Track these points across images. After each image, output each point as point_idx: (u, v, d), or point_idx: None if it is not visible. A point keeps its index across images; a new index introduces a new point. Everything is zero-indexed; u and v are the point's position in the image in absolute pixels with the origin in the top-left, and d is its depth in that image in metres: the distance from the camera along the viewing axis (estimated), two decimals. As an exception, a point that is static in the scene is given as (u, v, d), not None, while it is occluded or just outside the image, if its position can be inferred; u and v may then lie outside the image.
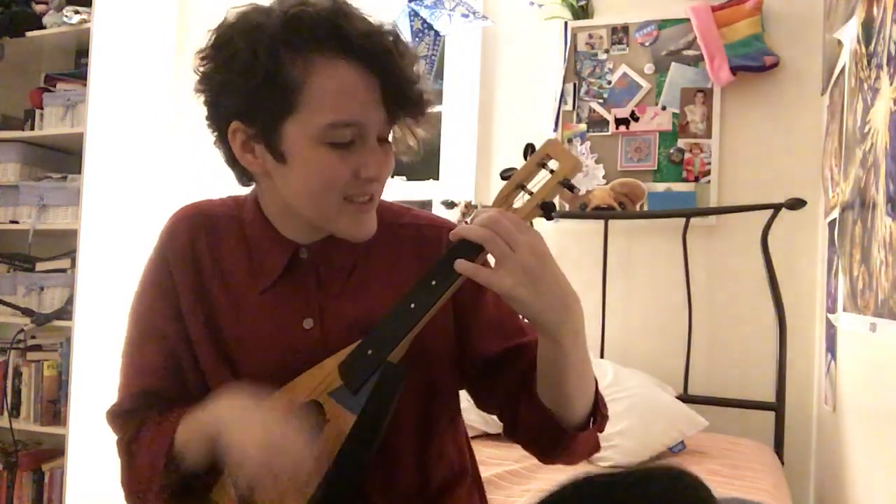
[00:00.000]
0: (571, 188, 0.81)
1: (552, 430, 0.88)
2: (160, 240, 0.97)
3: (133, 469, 0.91)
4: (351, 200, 0.87)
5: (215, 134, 0.90)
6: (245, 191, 1.00)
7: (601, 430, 0.93)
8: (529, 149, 0.83)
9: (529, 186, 0.83)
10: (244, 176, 0.94)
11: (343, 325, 0.92)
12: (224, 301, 0.93)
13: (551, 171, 0.81)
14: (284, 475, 0.75)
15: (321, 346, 0.90)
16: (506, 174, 0.83)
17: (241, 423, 0.78)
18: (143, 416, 0.94)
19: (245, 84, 0.82)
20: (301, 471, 0.77)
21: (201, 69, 0.86)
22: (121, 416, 0.96)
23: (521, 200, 0.83)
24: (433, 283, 0.81)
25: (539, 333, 0.82)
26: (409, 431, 0.94)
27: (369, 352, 0.83)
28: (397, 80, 0.84)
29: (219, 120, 0.88)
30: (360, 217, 0.89)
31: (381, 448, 0.84)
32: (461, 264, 0.78)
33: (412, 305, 0.82)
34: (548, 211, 0.80)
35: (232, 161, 0.91)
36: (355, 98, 0.83)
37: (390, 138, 0.90)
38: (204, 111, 0.89)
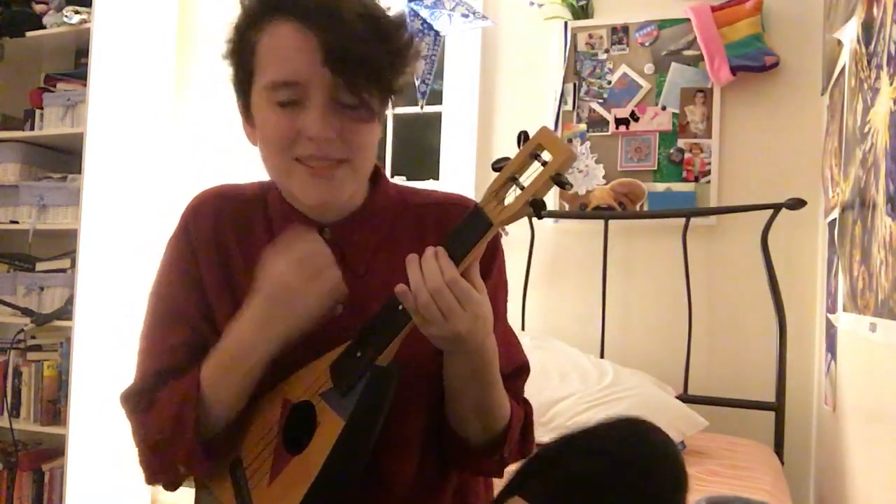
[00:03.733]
0: (563, 185, 0.73)
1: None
2: (183, 221, 0.97)
3: (153, 420, 0.89)
4: (304, 162, 0.86)
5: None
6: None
7: (505, 452, 0.93)
8: (522, 136, 0.77)
9: (522, 179, 0.76)
10: None
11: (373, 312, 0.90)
12: (251, 286, 0.91)
13: (544, 164, 0.75)
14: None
15: (349, 333, 0.88)
16: (497, 165, 0.78)
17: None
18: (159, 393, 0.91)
19: (229, 61, 0.89)
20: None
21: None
22: (137, 395, 0.93)
23: (513, 195, 0.77)
24: None
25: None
26: (418, 421, 0.92)
27: (358, 353, 0.81)
28: (336, 38, 0.81)
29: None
30: (311, 180, 0.86)
31: (390, 443, 0.81)
32: (400, 288, 0.78)
33: (401, 307, 0.78)
34: (538, 209, 0.74)
35: None
36: (291, 57, 0.83)
37: (351, 100, 0.84)
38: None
